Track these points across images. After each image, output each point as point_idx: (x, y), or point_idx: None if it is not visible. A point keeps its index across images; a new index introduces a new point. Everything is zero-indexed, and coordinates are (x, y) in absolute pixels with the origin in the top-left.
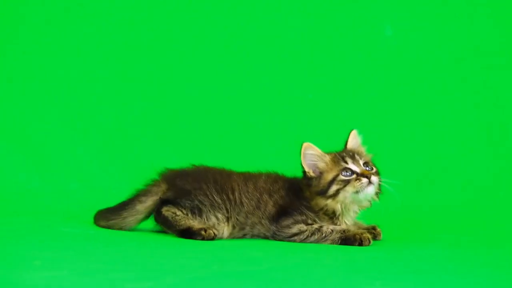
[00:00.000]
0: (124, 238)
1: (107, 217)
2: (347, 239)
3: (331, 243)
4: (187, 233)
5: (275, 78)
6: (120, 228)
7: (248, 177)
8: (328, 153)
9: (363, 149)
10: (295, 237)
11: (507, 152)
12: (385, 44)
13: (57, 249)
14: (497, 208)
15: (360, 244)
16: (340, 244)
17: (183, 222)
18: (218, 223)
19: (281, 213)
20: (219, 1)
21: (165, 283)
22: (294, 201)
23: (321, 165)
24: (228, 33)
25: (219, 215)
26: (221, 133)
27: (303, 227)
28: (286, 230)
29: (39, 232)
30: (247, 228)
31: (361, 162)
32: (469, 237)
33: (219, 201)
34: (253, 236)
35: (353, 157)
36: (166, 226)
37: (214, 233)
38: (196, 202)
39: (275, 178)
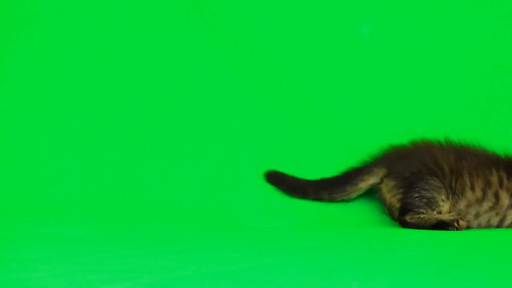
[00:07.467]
0: (102, 239)
1: (330, 190)
2: None
3: None
4: (441, 226)
5: (257, 78)
6: (342, 200)
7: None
8: None
9: None
10: None
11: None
12: (362, 42)
13: (34, 250)
14: None
15: None
16: None
17: (431, 218)
18: (443, 205)
19: None
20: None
21: (142, 284)
22: None
23: None
24: (218, 36)
25: (443, 197)
26: (212, 136)
27: None
28: None
29: (15, 233)
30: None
31: None
32: (449, 238)
33: (439, 184)
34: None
35: None
36: (418, 228)
37: (466, 225)
38: (423, 193)
39: None
